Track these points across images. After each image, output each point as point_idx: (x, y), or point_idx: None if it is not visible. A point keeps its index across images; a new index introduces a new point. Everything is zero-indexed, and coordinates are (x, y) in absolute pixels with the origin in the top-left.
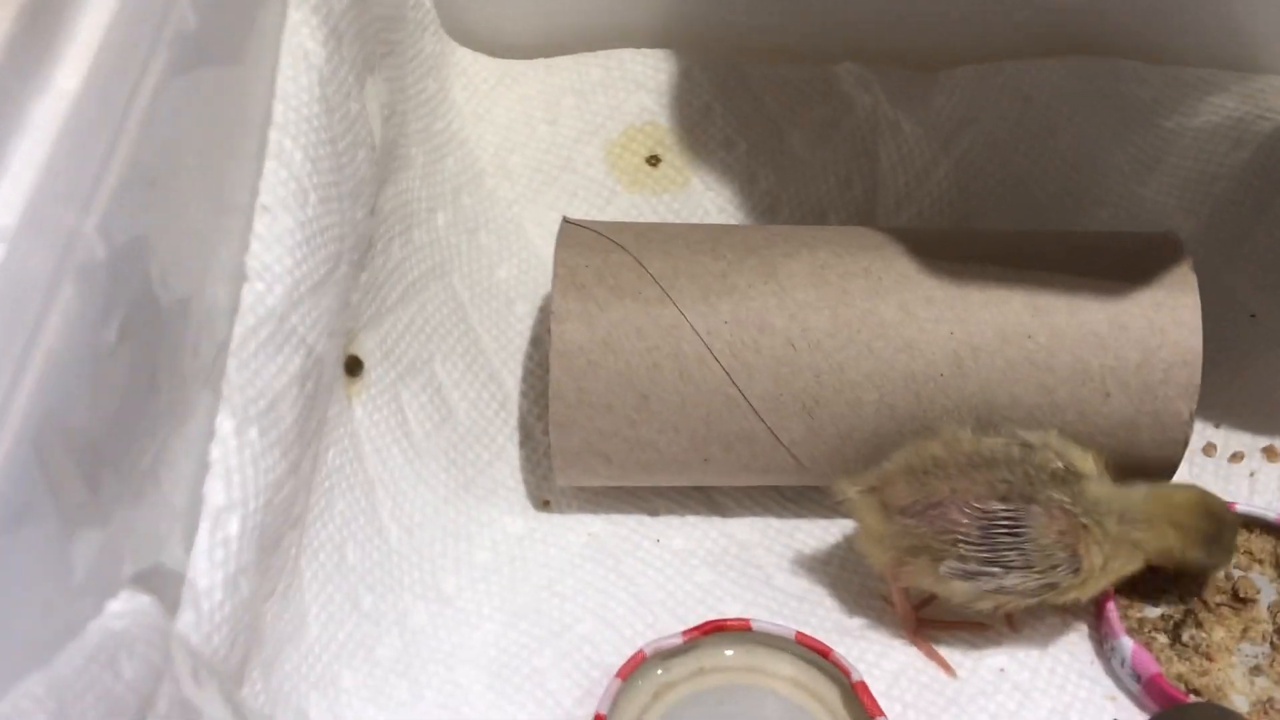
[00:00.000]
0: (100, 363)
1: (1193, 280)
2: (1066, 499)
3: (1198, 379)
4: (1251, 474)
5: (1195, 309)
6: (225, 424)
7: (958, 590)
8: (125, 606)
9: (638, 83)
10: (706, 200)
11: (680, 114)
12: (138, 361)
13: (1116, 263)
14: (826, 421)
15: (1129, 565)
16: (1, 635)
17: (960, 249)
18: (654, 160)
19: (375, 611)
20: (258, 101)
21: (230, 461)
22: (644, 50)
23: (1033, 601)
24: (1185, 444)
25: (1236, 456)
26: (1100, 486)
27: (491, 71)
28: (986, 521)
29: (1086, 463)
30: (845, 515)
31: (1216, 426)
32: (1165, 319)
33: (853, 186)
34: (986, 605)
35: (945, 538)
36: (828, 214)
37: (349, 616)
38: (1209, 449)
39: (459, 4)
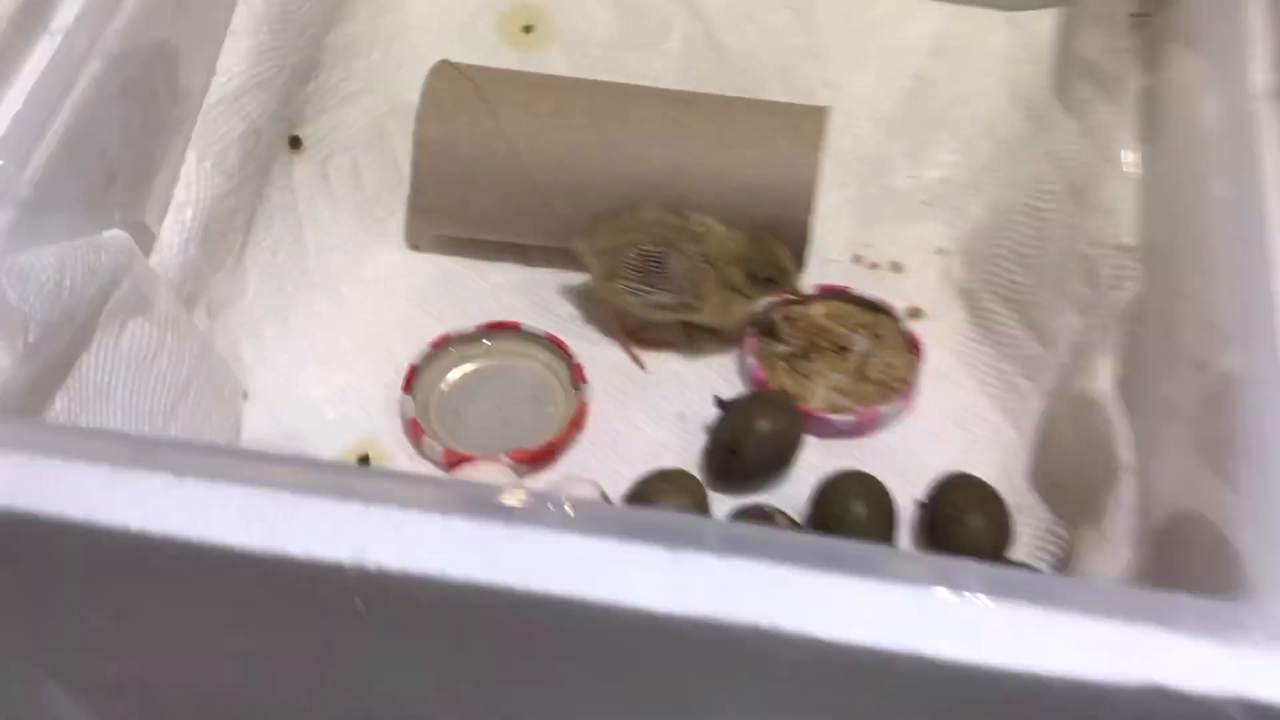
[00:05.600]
0: (115, 108)
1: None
2: (696, 249)
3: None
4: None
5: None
6: (190, 156)
7: (630, 303)
8: (112, 233)
9: None
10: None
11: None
12: (144, 112)
13: None
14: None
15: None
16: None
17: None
18: (528, 29)
19: (293, 295)
20: None
21: (190, 178)
22: None
23: (678, 315)
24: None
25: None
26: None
27: None
28: (644, 257)
29: (720, 230)
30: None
31: None
32: None
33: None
34: (650, 314)
35: (624, 268)
36: None
37: (275, 295)
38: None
39: None
